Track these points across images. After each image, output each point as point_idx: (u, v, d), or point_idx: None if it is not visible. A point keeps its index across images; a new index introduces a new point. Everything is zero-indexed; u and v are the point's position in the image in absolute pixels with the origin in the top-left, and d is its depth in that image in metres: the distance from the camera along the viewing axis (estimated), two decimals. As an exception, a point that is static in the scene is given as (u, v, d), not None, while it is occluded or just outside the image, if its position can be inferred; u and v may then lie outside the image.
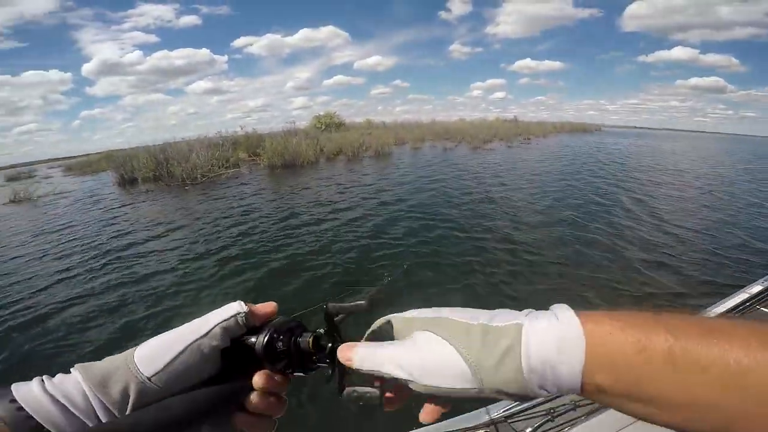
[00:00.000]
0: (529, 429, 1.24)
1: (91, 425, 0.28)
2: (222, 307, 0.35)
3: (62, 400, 0.28)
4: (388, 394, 0.34)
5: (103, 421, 0.29)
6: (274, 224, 5.98)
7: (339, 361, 0.34)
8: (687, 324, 0.24)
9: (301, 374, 0.37)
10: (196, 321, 0.34)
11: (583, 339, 0.25)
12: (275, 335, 0.35)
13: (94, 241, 5.83)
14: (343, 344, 0.34)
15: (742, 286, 2.35)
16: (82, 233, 6.47)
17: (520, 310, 0.29)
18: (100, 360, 0.31)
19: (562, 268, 3.93)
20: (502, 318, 0.29)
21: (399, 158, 14.89)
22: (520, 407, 1.31)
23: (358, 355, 0.32)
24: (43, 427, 0.27)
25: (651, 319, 0.25)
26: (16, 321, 3.38)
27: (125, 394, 0.29)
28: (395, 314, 0.34)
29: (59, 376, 0.30)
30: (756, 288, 2.30)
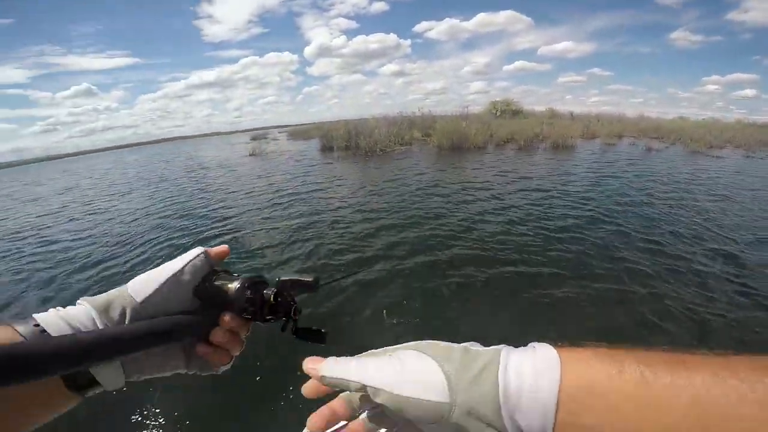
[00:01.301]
0: None
1: None
2: (187, 252, 0.42)
3: (73, 322, 0.33)
4: None
5: None
6: (405, 194, 6.74)
7: (293, 315, 0.41)
8: (657, 356, 0.25)
9: (259, 323, 0.41)
10: (172, 261, 0.40)
11: (558, 361, 0.26)
12: (245, 285, 0.40)
13: (290, 184, 8.10)
14: (308, 358, 0.34)
15: None
16: (285, 179, 8.83)
17: None
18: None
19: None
20: (480, 347, 0.31)
21: (581, 154, 13.08)
22: None
23: (325, 364, 0.33)
24: None
25: (622, 352, 0.25)
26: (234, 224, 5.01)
27: (123, 315, 0.35)
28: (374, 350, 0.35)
29: (69, 308, 0.35)
30: None
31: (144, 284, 0.38)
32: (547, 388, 0.25)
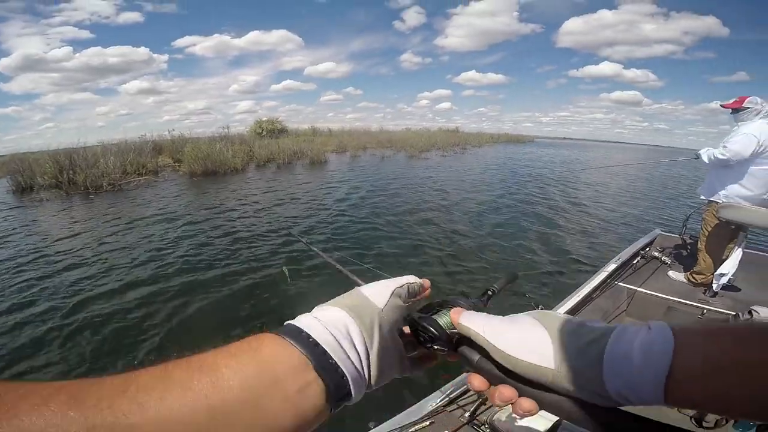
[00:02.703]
0: (467, 414, 1.33)
1: (361, 369, 0.32)
2: (394, 280, 0.40)
3: (340, 338, 0.31)
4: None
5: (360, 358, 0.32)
6: (112, 239, 5.77)
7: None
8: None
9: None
10: (391, 280, 0.40)
11: (671, 343, 0.26)
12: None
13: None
14: (456, 307, 0.39)
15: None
16: None
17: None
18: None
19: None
20: (598, 324, 0.31)
21: (334, 167, 14.91)
22: (455, 394, 1.42)
23: (464, 316, 0.36)
24: (337, 367, 0.30)
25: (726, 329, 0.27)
26: None
27: (372, 323, 0.34)
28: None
29: (321, 312, 0.33)
30: (612, 266, 2.84)
31: (377, 291, 0.37)
32: (653, 371, 0.25)
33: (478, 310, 0.39)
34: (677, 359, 0.25)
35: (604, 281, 2.65)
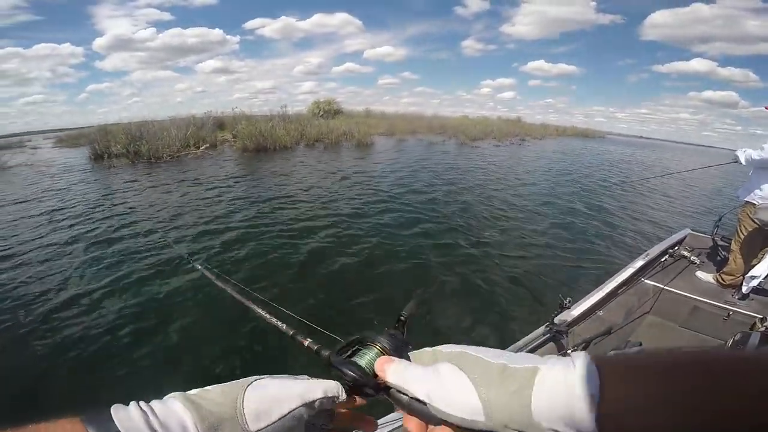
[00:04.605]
0: None
1: None
2: (324, 382, 0.36)
3: None
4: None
5: None
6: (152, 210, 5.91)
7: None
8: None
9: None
10: (302, 384, 0.35)
11: (596, 380, 0.25)
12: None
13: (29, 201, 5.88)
14: (382, 357, 0.36)
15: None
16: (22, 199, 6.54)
17: (542, 356, 0.30)
18: (201, 387, 0.33)
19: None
20: (522, 361, 0.30)
21: (378, 149, 14.68)
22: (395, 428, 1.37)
23: (392, 369, 0.34)
24: None
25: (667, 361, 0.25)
26: None
27: None
28: (424, 349, 0.36)
29: (161, 408, 0.29)
30: (639, 263, 2.80)
31: (264, 407, 0.33)
32: (581, 411, 0.25)
33: (400, 347, 0.38)
34: (604, 397, 0.25)
35: (630, 278, 2.62)
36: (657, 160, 23.62)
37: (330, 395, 0.35)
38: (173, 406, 0.29)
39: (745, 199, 2.80)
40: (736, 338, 1.42)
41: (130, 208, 6.04)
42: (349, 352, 0.38)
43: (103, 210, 5.90)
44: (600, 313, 2.23)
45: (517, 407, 0.27)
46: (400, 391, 0.34)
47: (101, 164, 10.90)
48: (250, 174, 9.05)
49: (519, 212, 6.30)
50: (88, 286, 3.41)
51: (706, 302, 2.55)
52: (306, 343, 0.47)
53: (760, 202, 2.66)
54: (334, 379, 0.37)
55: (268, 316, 0.59)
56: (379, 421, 1.32)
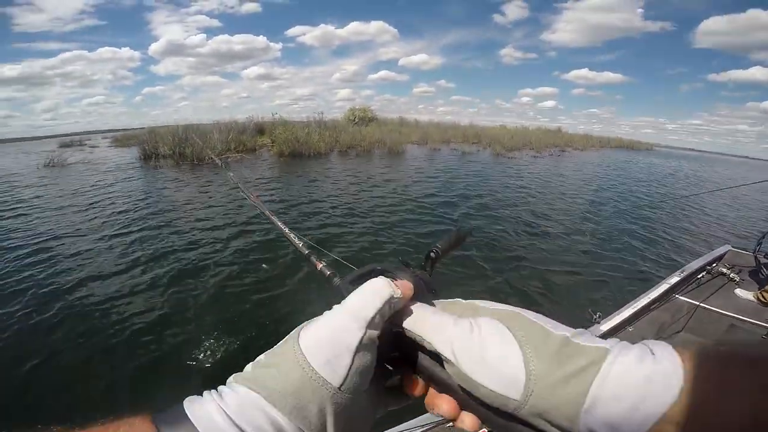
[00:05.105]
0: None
1: None
2: (369, 286, 0.29)
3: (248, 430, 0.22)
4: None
5: None
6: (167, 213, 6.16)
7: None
8: None
9: None
10: (351, 304, 0.28)
11: (679, 380, 0.20)
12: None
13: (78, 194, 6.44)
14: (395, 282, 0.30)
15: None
16: (75, 192, 7.15)
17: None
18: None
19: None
20: (587, 339, 0.24)
21: (409, 158, 14.63)
22: None
23: (411, 313, 0.29)
24: None
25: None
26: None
27: (322, 415, 0.24)
28: (456, 299, 0.31)
29: (231, 395, 0.24)
30: (674, 279, 2.78)
31: (330, 354, 0.25)
32: (643, 416, 0.20)
33: (422, 290, 0.31)
34: (682, 399, 0.20)
35: (663, 294, 2.59)
36: (707, 174, 21.85)
37: (394, 296, 0.28)
38: (240, 391, 0.23)
39: None
40: None
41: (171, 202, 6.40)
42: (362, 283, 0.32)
43: (143, 204, 6.30)
44: (630, 329, 2.20)
45: (570, 393, 0.22)
46: (415, 342, 0.28)
47: (149, 164, 11.66)
48: (281, 176, 9.31)
49: (551, 225, 5.99)
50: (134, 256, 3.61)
51: (745, 320, 2.44)
52: (319, 266, 0.45)
53: None
54: None
55: (288, 232, 0.65)
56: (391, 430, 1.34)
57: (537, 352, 0.24)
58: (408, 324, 0.28)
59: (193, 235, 4.94)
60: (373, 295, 0.28)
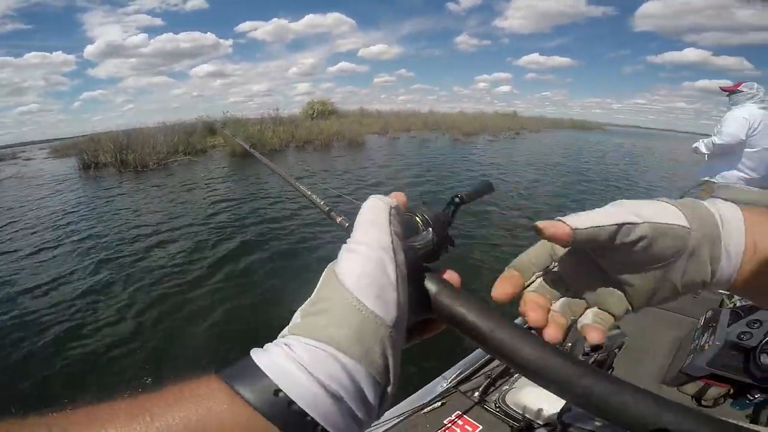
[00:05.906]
0: (477, 393, 1.37)
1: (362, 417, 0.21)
2: (365, 213, 0.26)
3: (335, 388, 0.20)
4: None
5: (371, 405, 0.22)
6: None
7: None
8: None
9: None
10: (363, 234, 0.25)
11: (741, 219, 0.29)
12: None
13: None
14: (544, 221, 0.29)
15: None
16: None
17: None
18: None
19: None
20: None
21: (369, 149, 14.56)
22: (465, 374, 1.46)
23: (574, 218, 0.29)
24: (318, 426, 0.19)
25: None
26: None
27: (384, 357, 0.22)
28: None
29: (300, 346, 0.21)
30: None
31: (382, 296, 0.23)
32: (737, 233, 0.29)
33: (443, 224, 0.32)
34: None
35: None
36: (647, 149, 23.32)
37: (392, 205, 0.27)
38: (318, 345, 0.21)
39: (704, 178, 2.97)
40: (707, 316, 1.44)
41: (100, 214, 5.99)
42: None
43: (74, 216, 5.86)
44: None
45: (709, 219, 0.29)
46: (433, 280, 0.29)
47: (88, 174, 10.86)
48: (229, 177, 8.99)
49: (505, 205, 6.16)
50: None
51: None
52: (338, 220, 0.50)
53: (719, 180, 2.83)
54: None
55: (309, 192, 0.73)
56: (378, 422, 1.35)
57: (681, 207, 0.30)
58: (579, 224, 0.28)
59: (131, 244, 4.66)
60: (375, 216, 0.26)
